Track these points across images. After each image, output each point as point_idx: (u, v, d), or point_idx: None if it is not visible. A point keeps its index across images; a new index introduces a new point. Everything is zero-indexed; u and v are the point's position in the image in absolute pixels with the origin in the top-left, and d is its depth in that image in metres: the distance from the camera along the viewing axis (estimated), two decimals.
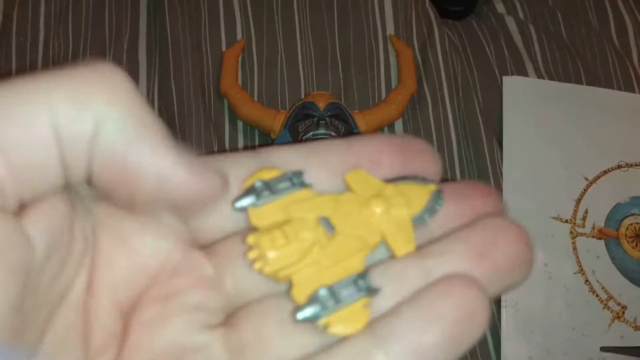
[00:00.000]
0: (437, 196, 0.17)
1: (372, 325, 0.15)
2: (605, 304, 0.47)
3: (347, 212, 0.17)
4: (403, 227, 0.17)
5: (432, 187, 0.18)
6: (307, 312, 0.16)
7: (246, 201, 0.17)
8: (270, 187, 0.17)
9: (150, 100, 0.52)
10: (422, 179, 0.18)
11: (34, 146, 0.14)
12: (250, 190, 0.17)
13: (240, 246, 0.17)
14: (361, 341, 0.15)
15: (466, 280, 0.15)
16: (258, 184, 0.17)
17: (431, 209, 0.17)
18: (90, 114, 0.14)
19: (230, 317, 0.17)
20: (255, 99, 0.52)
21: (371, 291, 0.16)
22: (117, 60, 0.53)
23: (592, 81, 0.55)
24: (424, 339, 0.15)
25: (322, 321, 0.16)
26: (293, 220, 0.17)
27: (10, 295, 0.13)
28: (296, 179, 0.17)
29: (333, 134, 0.47)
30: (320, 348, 0.16)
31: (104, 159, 0.15)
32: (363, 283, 0.16)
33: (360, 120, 0.50)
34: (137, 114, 0.15)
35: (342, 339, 0.16)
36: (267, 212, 0.17)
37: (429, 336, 0.15)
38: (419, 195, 0.17)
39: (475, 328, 0.15)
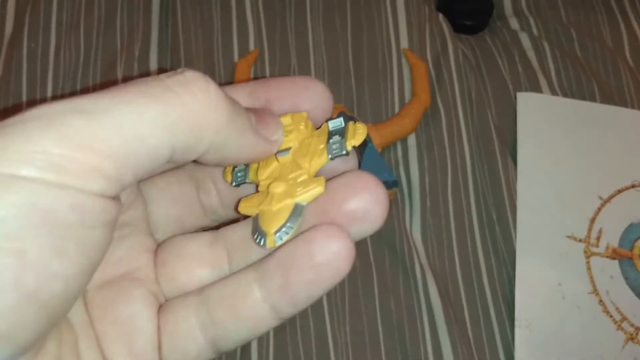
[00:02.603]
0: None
1: (258, 263, 0.20)
2: (619, 325, 0.46)
3: (290, 166, 0.21)
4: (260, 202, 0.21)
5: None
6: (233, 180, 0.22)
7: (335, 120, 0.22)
8: (337, 129, 0.21)
9: None
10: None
11: (151, 159, 0.17)
12: (339, 118, 0.22)
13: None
14: (246, 276, 0.20)
15: (330, 230, 0.19)
16: (340, 123, 0.22)
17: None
18: (203, 142, 0.18)
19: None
20: None
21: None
22: (128, 68, 0.52)
23: (606, 99, 0.55)
24: (290, 279, 0.19)
25: (241, 199, 0.22)
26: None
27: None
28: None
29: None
30: (217, 279, 0.21)
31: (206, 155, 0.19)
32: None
33: (374, 134, 0.49)
34: (226, 122, 0.18)
35: (232, 275, 0.21)
36: (320, 130, 0.22)
37: (294, 277, 0.19)
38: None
39: (334, 274, 0.18)
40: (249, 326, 0.20)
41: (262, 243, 0.20)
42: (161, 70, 0.53)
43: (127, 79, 0.52)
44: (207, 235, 0.22)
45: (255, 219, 0.21)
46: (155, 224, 0.23)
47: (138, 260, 0.22)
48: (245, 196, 0.22)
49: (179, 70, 0.19)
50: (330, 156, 0.21)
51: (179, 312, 0.20)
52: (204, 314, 0.20)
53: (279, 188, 0.20)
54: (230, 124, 0.18)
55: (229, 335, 0.20)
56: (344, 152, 0.20)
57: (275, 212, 0.20)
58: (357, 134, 0.21)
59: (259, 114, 0.20)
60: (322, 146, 0.21)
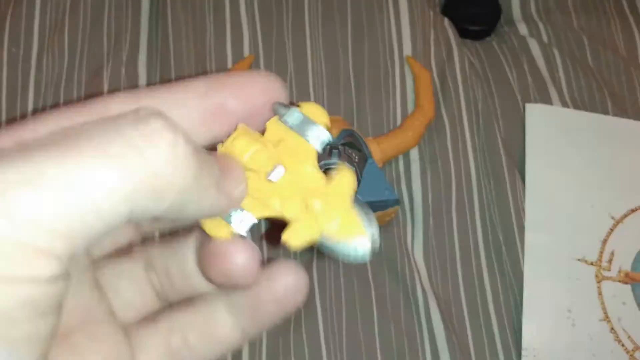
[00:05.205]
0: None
1: (225, 295, 0.22)
2: (631, 355, 0.44)
3: (298, 180, 0.20)
4: (311, 229, 0.19)
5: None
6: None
7: (282, 110, 0.20)
8: (301, 122, 0.20)
9: None
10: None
11: (106, 227, 0.15)
12: (288, 110, 0.20)
13: None
14: (215, 305, 0.22)
15: (287, 267, 0.21)
16: (297, 114, 0.20)
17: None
18: (164, 203, 0.16)
19: None
20: None
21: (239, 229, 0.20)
22: (115, 74, 0.50)
23: (619, 111, 0.52)
24: (259, 308, 0.21)
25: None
26: (271, 149, 0.20)
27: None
28: (322, 138, 0.20)
29: (347, 164, 0.44)
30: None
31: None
32: (242, 217, 0.20)
33: (375, 148, 0.47)
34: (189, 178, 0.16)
35: (199, 303, 0.22)
36: (276, 129, 0.20)
37: (263, 307, 0.21)
38: (358, 228, 0.19)
39: (295, 302, 0.21)
40: (221, 348, 0.22)
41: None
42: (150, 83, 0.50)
43: (113, 86, 0.49)
44: (140, 263, 0.23)
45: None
46: None
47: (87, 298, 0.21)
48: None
49: (143, 112, 0.16)
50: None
51: (150, 338, 0.21)
52: (177, 339, 0.21)
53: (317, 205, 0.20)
54: (195, 182, 0.16)
55: (201, 357, 0.22)
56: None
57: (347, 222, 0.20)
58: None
59: (224, 165, 0.19)
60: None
